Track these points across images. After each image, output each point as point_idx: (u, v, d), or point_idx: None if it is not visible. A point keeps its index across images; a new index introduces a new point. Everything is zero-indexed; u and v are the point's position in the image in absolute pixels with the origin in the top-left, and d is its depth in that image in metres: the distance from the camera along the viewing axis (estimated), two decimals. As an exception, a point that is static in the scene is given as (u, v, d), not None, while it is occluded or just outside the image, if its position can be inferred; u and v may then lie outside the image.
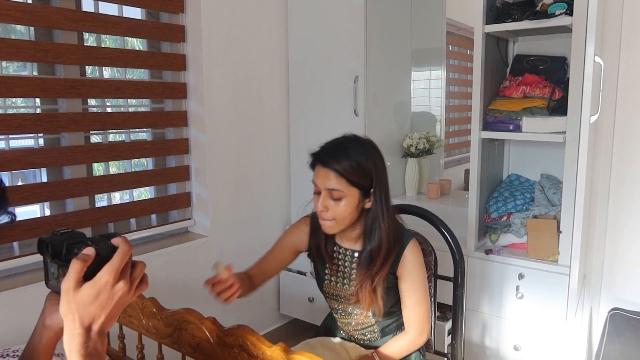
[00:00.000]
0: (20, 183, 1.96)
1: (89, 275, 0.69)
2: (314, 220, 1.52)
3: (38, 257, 1.83)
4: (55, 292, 0.73)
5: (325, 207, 1.35)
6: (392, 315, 1.54)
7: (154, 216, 2.37)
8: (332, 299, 1.57)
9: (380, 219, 1.39)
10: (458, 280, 1.66)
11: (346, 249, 1.51)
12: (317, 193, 1.38)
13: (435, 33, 2.90)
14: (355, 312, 1.53)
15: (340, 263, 1.52)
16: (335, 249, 1.52)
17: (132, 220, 2.27)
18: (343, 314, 1.56)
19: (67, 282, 0.68)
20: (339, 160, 1.33)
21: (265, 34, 2.62)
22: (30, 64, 1.89)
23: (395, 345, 1.50)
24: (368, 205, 1.39)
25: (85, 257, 0.69)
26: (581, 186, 1.96)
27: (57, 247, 0.73)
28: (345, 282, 1.52)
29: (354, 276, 1.49)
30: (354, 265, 1.49)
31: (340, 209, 1.34)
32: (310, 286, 2.63)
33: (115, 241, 0.72)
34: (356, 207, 1.37)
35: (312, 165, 1.40)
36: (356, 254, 1.49)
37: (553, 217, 2.09)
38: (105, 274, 0.69)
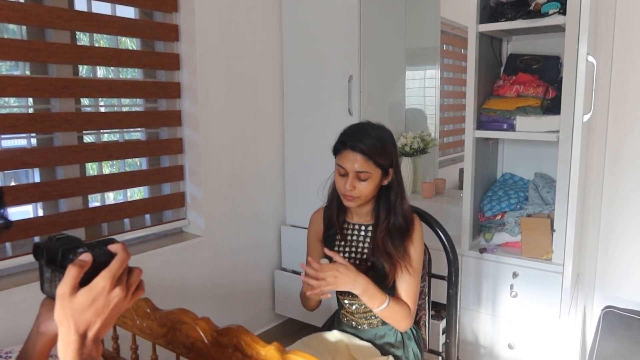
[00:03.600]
0: (13, 183, 1.94)
1: (84, 281, 0.68)
2: (326, 208, 1.67)
3: (31, 258, 1.82)
4: (50, 298, 0.73)
5: (353, 186, 1.49)
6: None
7: (148, 216, 2.36)
8: None
9: (401, 194, 1.55)
10: (452, 279, 1.67)
11: (355, 224, 1.63)
12: (343, 175, 1.50)
13: (430, 32, 2.90)
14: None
15: (349, 238, 1.63)
16: (345, 225, 1.65)
17: (126, 221, 2.26)
18: (349, 294, 1.56)
19: (63, 288, 0.67)
20: (367, 145, 1.46)
21: (260, 33, 2.61)
22: (23, 63, 1.88)
23: (399, 307, 1.51)
24: (385, 182, 1.53)
25: (82, 262, 0.68)
26: (574, 185, 1.97)
27: (53, 252, 0.72)
28: (353, 255, 1.61)
29: (365, 250, 1.59)
30: (365, 238, 1.61)
31: (366, 187, 1.49)
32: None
33: (113, 248, 0.71)
34: (377, 185, 1.52)
35: (337, 150, 1.52)
36: (369, 227, 1.60)
37: (547, 216, 2.10)
38: (102, 280, 0.68)
